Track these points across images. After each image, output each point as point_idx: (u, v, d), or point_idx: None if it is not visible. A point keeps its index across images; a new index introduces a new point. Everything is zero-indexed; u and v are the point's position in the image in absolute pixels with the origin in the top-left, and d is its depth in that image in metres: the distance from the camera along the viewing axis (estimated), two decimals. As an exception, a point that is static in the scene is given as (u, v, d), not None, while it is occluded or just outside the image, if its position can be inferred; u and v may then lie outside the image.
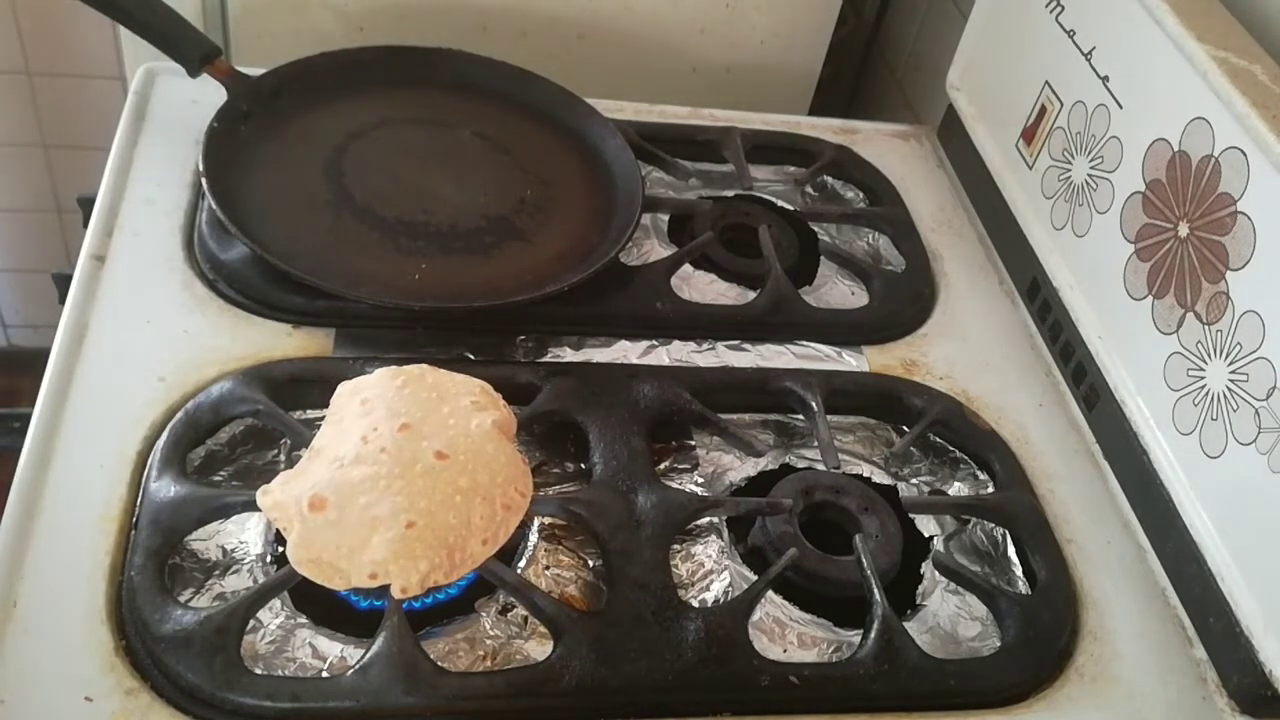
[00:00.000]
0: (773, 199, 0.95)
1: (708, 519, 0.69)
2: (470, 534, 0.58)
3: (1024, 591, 0.69)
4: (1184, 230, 0.71)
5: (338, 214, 0.81)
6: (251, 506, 0.61)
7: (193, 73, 0.85)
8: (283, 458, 0.69)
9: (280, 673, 0.58)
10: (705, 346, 0.80)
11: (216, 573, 0.63)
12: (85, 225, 0.79)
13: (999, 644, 0.66)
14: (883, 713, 0.61)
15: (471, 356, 0.75)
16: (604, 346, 0.78)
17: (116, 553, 0.60)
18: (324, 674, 0.58)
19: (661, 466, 0.72)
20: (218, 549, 0.64)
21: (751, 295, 0.84)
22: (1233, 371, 0.66)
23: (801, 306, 0.83)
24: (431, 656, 0.58)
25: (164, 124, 0.87)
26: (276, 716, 0.55)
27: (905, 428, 0.77)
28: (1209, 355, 0.68)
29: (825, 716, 0.61)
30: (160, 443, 0.65)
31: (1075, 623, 0.67)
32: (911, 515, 0.72)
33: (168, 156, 0.84)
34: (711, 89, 1.13)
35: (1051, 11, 0.86)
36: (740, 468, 0.74)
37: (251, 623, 0.59)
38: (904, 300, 0.86)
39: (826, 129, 1.03)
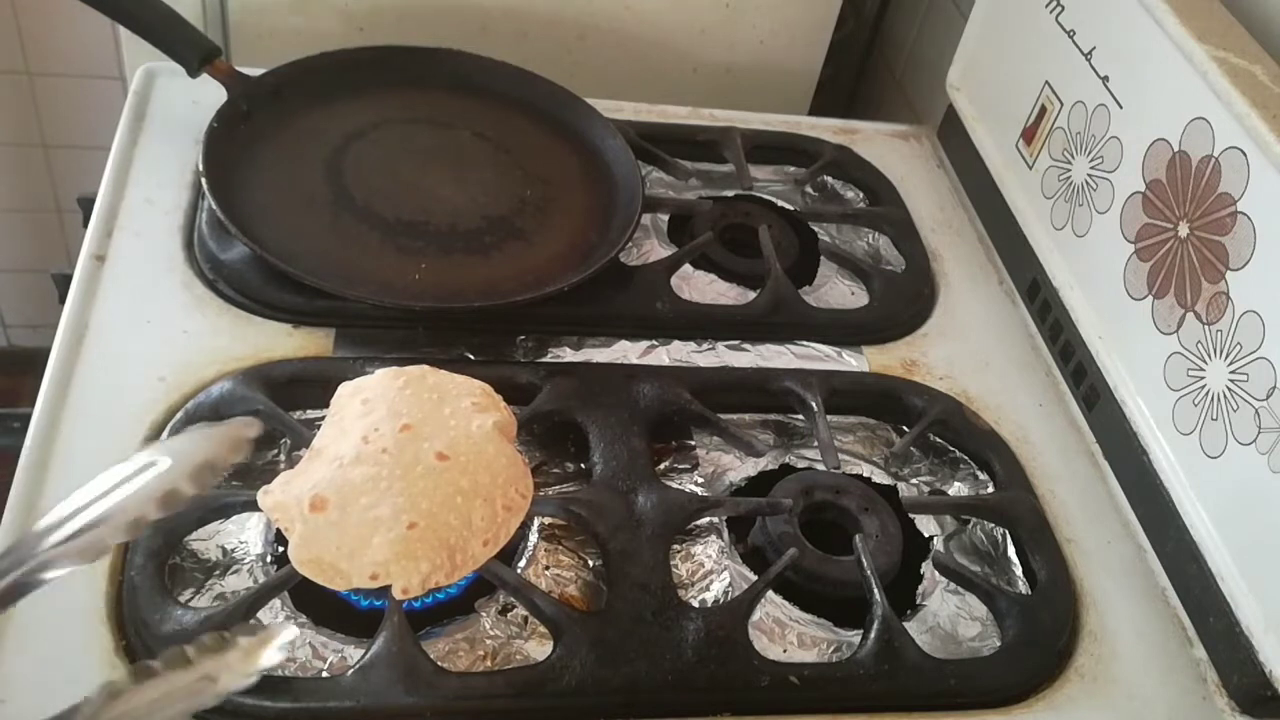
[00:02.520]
0: (773, 199, 0.95)
1: (708, 519, 0.69)
2: (471, 535, 0.58)
3: (1024, 591, 0.69)
4: (1184, 230, 0.71)
5: (338, 214, 0.81)
6: (251, 506, 0.61)
7: (193, 73, 0.85)
8: (283, 458, 0.69)
9: (280, 673, 0.58)
10: (705, 346, 0.80)
11: (216, 573, 0.63)
12: (85, 225, 0.79)
13: (999, 644, 0.66)
14: (883, 713, 0.61)
15: (471, 356, 0.75)
16: (604, 346, 0.78)
17: (116, 553, 0.60)
18: (324, 674, 0.59)
19: (661, 466, 0.72)
20: (218, 549, 0.64)
21: (751, 295, 0.84)
22: (1233, 371, 0.66)
23: (801, 306, 0.83)
24: (431, 656, 0.58)
25: (164, 124, 0.87)
26: (276, 716, 0.55)
27: (905, 428, 0.77)
28: (1209, 355, 0.68)
29: (825, 716, 0.61)
30: (160, 443, 0.65)
31: (1075, 623, 0.67)
32: (911, 515, 0.72)
33: (168, 156, 0.84)
34: (711, 89, 1.13)
35: (1051, 11, 0.86)
36: (740, 468, 0.74)
37: (251, 623, 0.59)
38: (904, 300, 0.86)
39: (826, 129, 1.03)
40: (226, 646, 0.45)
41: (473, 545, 0.58)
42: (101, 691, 0.43)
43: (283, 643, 0.47)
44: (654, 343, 0.79)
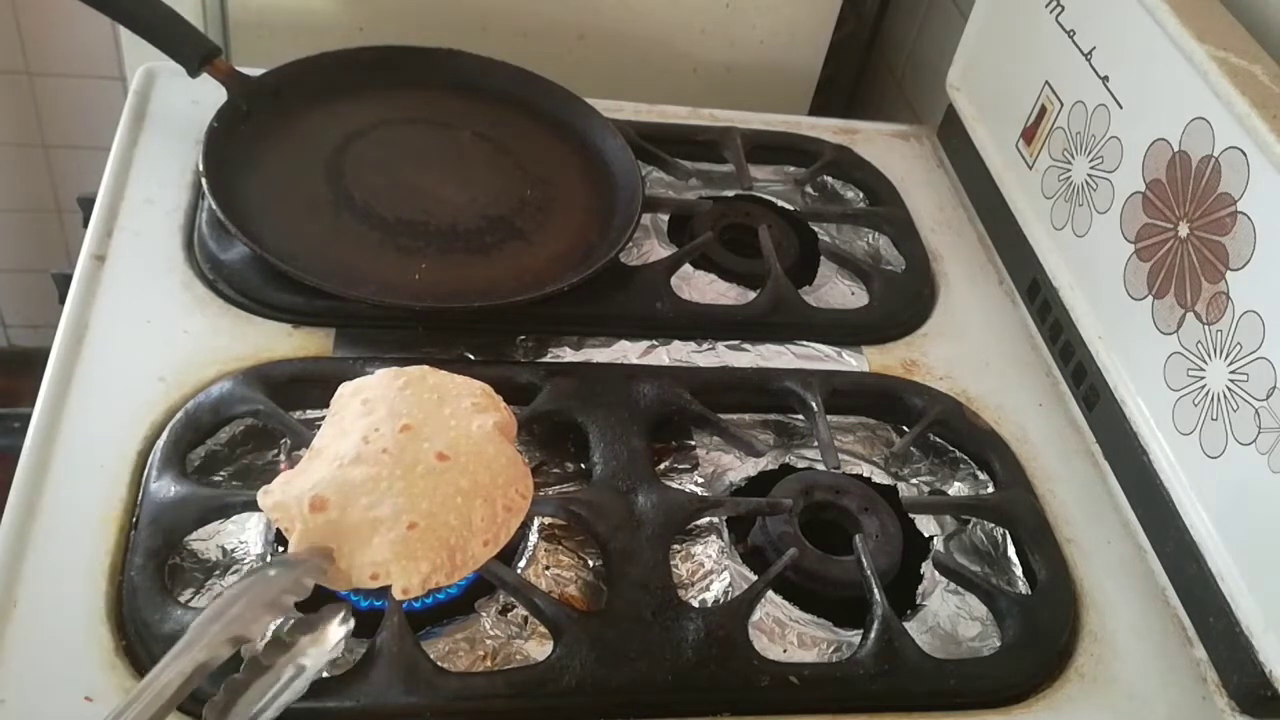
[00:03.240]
0: (773, 199, 0.95)
1: (708, 519, 0.69)
2: (471, 535, 0.58)
3: (1024, 591, 0.69)
4: (1184, 230, 0.71)
5: (338, 214, 0.81)
6: (251, 506, 0.61)
7: (193, 73, 0.85)
8: (283, 458, 0.69)
9: (280, 673, 0.58)
10: (705, 346, 0.80)
11: (216, 573, 0.63)
12: (85, 225, 0.79)
13: (999, 644, 0.66)
14: (883, 713, 0.61)
15: (471, 356, 0.75)
16: (604, 346, 0.78)
17: (116, 553, 0.60)
18: (324, 674, 0.58)
19: (661, 466, 0.72)
20: (218, 549, 0.64)
21: (751, 295, 0.84)
22: (1233, 371, 0.66)
23: (801, 306, 0.83)
24: (431, 656, 0.58)
25: (164, 124, 0.87)
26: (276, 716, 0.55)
27: (905, 428, 0.77)
28: (1209, 355, 0.68)
29: (825, 716, 0.61)
30: (160, 443, 0.65)
31: (1075, 623, 0.67)
32: (911, 515, 0.72)
33: (168, 156, 0.84)
34: (711, 89, 1.13)
35: (1051, 11, 0.86)
36: (740, 468, 0.74)
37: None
38: (904, 300, 0.86)
39: (826, 129, 1.03)
40: (296, 641, 0.51)
41: (473, 545, 0.58)
42: (226, 688, 0.48)
43: (340, 617, 0.52)
44: (654, 343, 0.79)
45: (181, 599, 0.60)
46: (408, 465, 0.59)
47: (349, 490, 0.58)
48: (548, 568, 0.66)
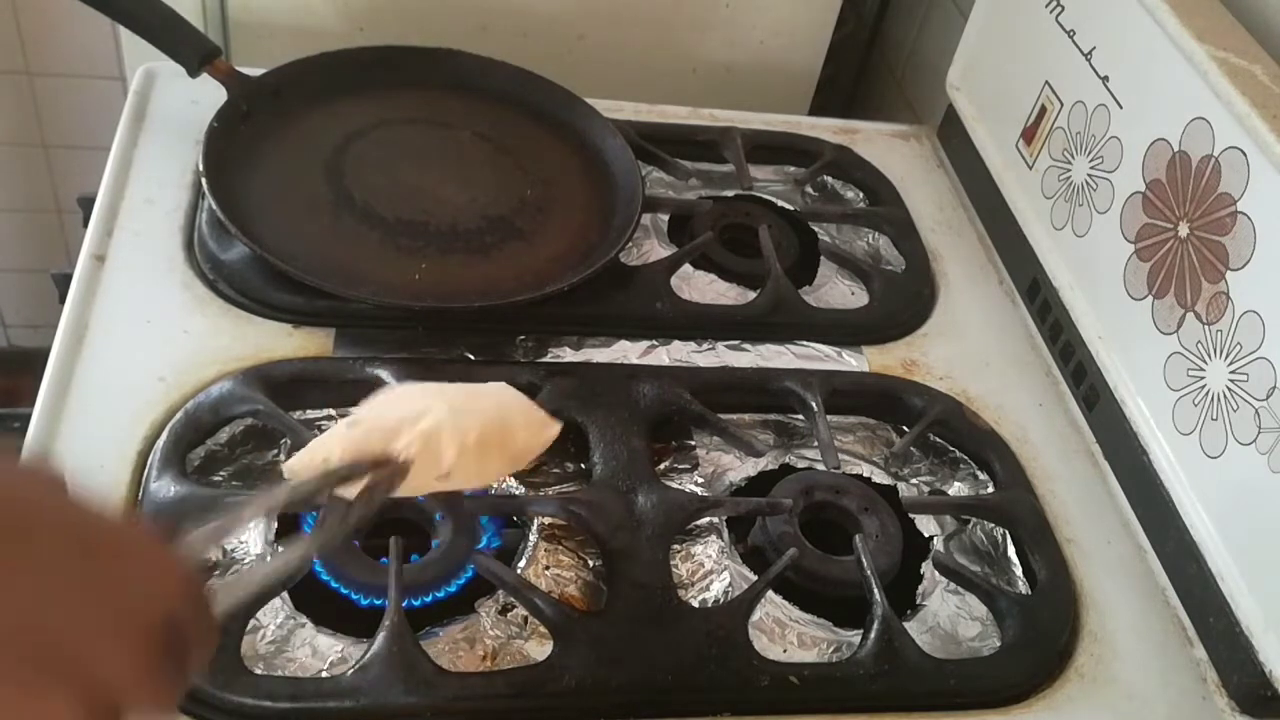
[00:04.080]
0: (773, 199, 0.95)
1: (708, 519, 0.69)
2: (490, 450, 0.57)
3: (1024, 591, 0.69)
4: (1184, 230, 0.71)
5: (338, 214, 0.81)
6: (251, 506, 0.61)
7: (193, 73, 0.85)
8: (283, 458, 0.69)
9: (280, 673, 0.58)
10: (705, 346, 0.80)
11: (216, 573, 0.63)
12: (85, 225, 0.79)
13: (999, 644, 0.66)
14: (883, 713, 0.61)
15: (471, 356, 0.75)
16: (604, 346, 0.78)
17: (116, 552, 0.60)
18: (324, 674, 0.58)
19: (661, 466, 0.72)
20: (218, 549, 0.64)
21: (751, 295, 0.84)
22: (1233, 371, 0.66)
23: (801, 306, 0.83)
24: (431, 656, 0.58)
25: (164, 124, 0.87)
26: (276, 716, 0.55)
27: (905, 428, 0.77)
28: (1209, 355, 0.68)
29: (825, 717, 0.61)
30: (160, 443, 0.65)
31: (1075, 623, 0.67)
32: (911, 515, 0.72)
33: (168, 156, 0.84)
34: (711, 89, 1.13)
35: (1051, 11, 0.86)
36: (740, 468, 0.74)
37: (251, 623, 0.59)
38: (904, 300, 0.86)
39: (826, 129, 1.03)
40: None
41: (492, 458, 0.57)
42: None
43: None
44: (654, 343, 0.79)
45: (181, 599, 0.60)
46: (439, 391, 0.58)
47: (385, 412, 0.57)
48: (548, 568, 0.66)
